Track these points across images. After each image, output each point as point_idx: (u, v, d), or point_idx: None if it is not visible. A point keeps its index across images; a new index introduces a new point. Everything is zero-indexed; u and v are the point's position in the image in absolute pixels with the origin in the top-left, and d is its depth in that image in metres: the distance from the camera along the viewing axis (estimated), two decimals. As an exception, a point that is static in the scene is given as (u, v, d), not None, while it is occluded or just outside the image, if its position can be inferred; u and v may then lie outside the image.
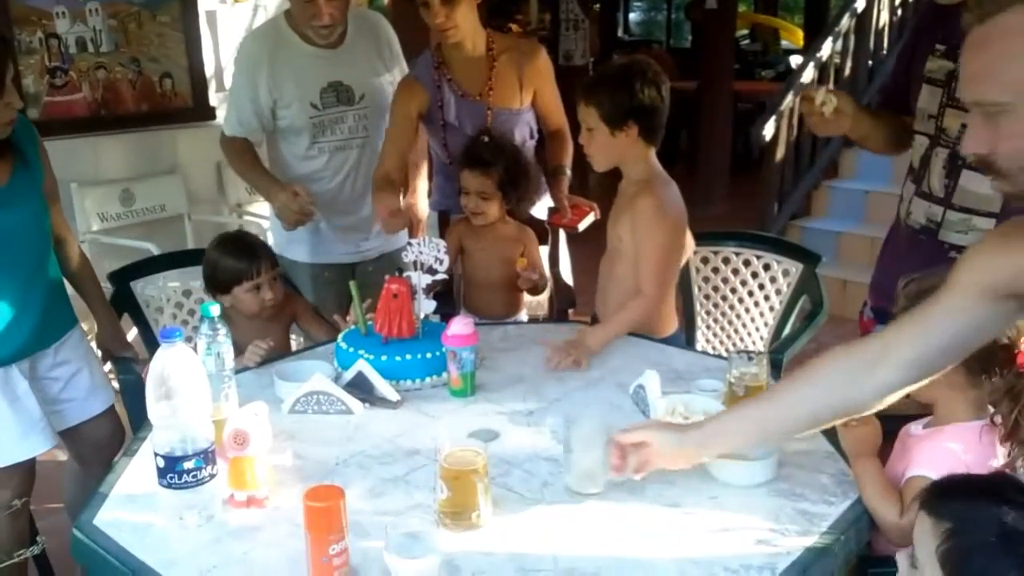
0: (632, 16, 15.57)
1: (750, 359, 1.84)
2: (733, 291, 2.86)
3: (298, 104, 2.70)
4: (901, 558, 1.14)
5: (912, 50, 2.11)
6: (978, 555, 1.01)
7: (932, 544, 1.05)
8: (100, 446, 2.39)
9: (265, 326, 2.43)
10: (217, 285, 2.38)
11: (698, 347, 2.80)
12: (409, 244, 2.12)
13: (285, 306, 2.51)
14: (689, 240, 2.44)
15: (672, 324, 2.45)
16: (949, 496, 1.09)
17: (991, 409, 1.54)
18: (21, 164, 2.15)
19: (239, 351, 1.90)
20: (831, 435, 1.78)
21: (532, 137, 2.91)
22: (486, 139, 2.64)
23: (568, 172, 2.85)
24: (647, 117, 2.23)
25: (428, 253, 2.09)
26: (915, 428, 1.66)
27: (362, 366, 2.00)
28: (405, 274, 2.12)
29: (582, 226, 2.76)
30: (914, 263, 2.06)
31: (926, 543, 1.07)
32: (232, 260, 2.35)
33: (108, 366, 2.48)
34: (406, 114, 2.72)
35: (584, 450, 1.57)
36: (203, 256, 2.44)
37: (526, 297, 2.79)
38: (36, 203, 2.18)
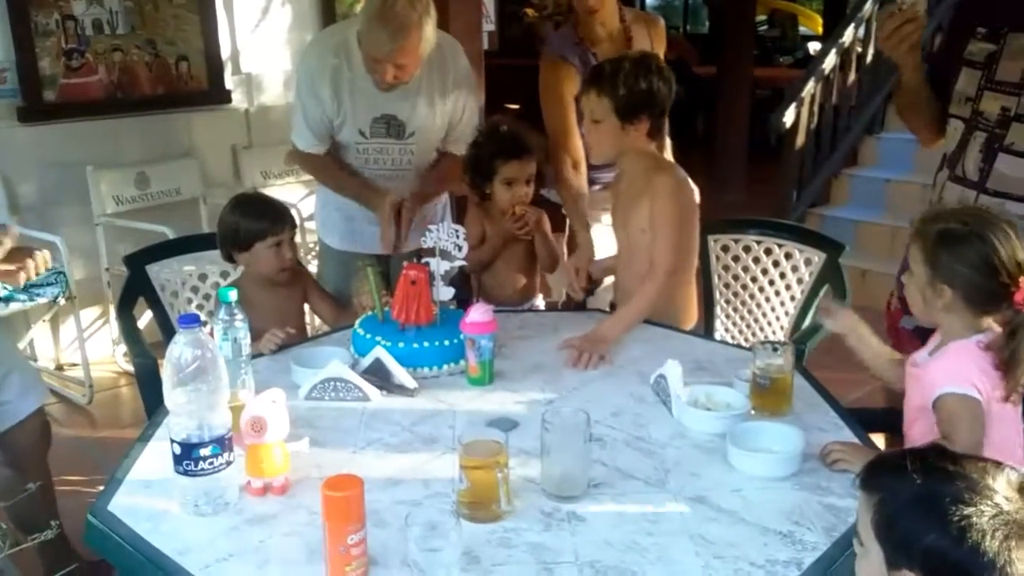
0: (649, 1, 15.45)
1: (775, 350, 1.81)
2: (753, 280, 2.82)
3: (348, 127, 2.64)
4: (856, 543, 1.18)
5: (952, 33, 2.06)
6: (901, 520, 1.06)
7: (867, 517, 1.11)
8: (31, 446, 2.34)
9: (281, 300, 2.44)
10: (238, 243, 2.38)
11: (717, 336, 2.76)
12: (428, 230, 2.09)
13: (297, 279, 2.52)
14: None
15: (692, 317, 2.42)
16: (879, 470, 1.14)
17: (992, 327, 1.61)
18: None
19: (255, 327, 1.88)
20: (858, 428, 1.76)
21: None
22: (505, 128, 2.62)
23: (667, 140, 2.92)
24: (658, 112, 2.20)
25: (447, 239, 2.07)
26: (920, 356, 1.73)
27: (379, 353, 1.98)
28: (423, 260, 2.10)
29: None
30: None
31: (863, 518, 1.12)
32: (257, 218, 2.36)
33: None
34: (561, 98, 2.78)
35: (560, 452, 1.52)
36: (219, 220, 2.43)
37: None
38: None
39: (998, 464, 1.08)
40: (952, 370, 1.59)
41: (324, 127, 2.65)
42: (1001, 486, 1.03)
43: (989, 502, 1.02)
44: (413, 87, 2.59)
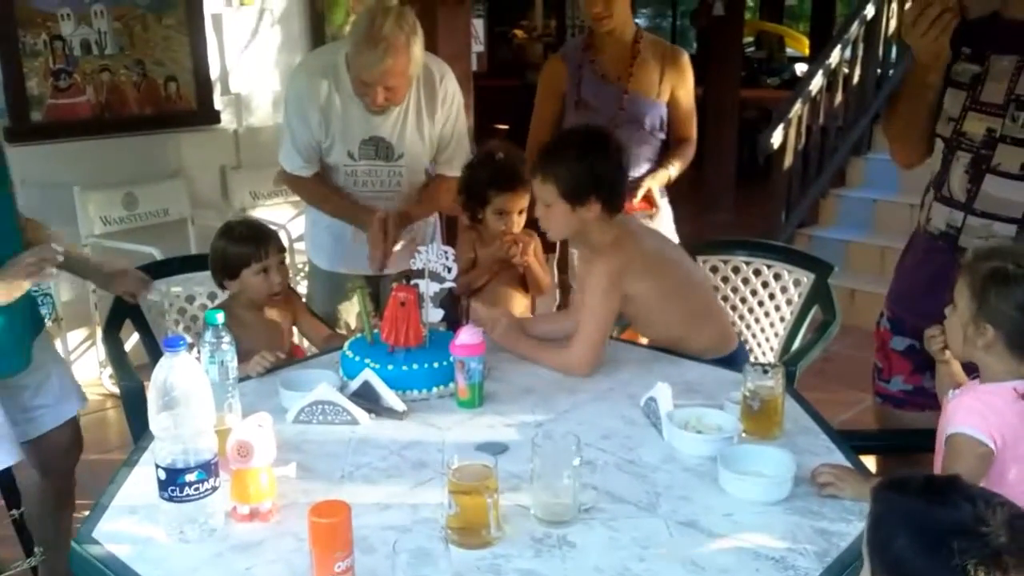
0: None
1: (765, 372, 1.80)
2: (743, 301, 2.82)
3: (337, 149, 2.63)
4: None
5: None
6: (883, 526, 1.08)
7: (866, 525, 1.13)
8: (62, 452, 2.36)
9: (269, 323, 2.42)
10: (226, 270, 2.37)
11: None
12: (417, 251, 2.09)
13: (287, 303, 2.51)
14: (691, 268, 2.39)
15: (732, 340, 2.38)
16: (888, 484, 1.15)
17: None
18: None
19: (243, 349, 1.86)
20: (849, 451, 1.75)
21: (661, 128, 3.03)
22: (501, 155, 2.61)
23: (670, 170, 3.01)
24: (609, 190, 2.11)
25: (436, 261, 2.06)
26: (953, 393, 1.68)
27: (368, 375, 1.97)
28: (413, 282, 2.09)
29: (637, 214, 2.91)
30: (932, 270, 2.03)
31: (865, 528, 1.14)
32: (241, 243, 2.35)
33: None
34: (551, 90, 3.03)
35: (550, 476, 1.50)
36: (210, 247, 2.42)
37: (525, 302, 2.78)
38: (5, 210, 2.15)
39: (999, 497, 1.07)
40: (974, 411, 1.55)
41: (313, 149, 2.64)
42: (989, 515, 1.02)
43: (969, 524, 1.01)
44: (402, 109, 2.59)
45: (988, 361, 1.60)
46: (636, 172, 2.94)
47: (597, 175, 2.09)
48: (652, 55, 2.99)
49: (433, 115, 2.65)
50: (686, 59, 3.07)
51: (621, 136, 2.83)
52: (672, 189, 3.14)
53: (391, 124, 2.60)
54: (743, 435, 1.77)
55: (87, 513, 1.57)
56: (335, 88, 2.55)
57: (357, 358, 2.05)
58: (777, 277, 2.75)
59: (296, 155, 2.65)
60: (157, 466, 1.45)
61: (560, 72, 3.00)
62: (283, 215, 4.46)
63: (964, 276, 1.60)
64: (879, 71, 5.83)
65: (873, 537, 1.09)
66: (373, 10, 2.41)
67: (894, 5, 5.70)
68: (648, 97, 2.97)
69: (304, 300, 2.79)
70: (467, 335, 1.97)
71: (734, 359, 2.30)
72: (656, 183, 2.97)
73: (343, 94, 2.54)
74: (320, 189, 2.72)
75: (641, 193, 2.93)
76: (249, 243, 2.35)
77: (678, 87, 3.03)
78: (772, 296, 2.76)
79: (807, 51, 12.07)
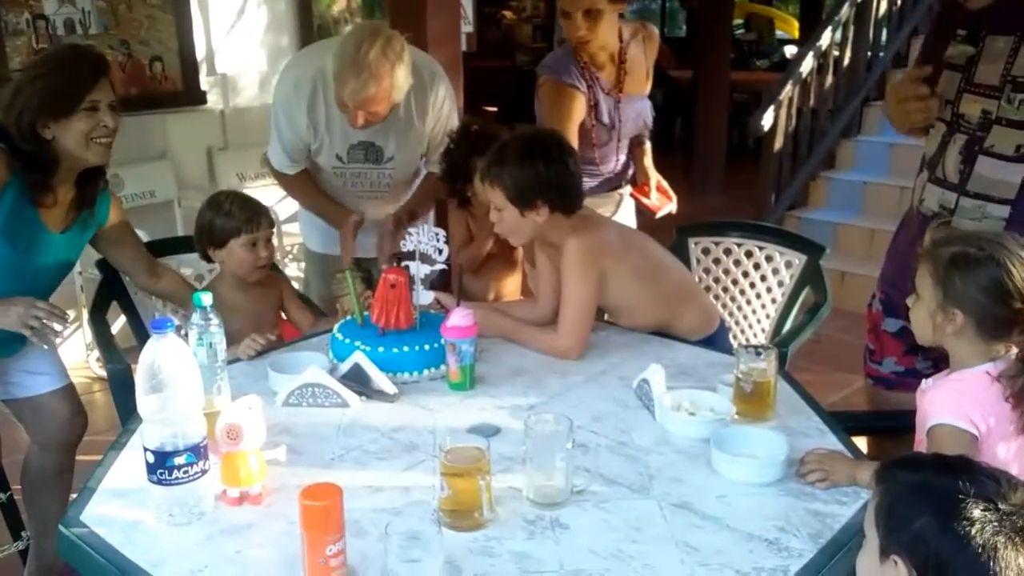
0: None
1: (758, 354, 1.79)
2: (735, 283, 2.81)
3: (326, 152, 2.61)
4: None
5: (934, 37, 2.06)
6: (898, 504, 1.06)
7: (872, 504, 1.10)
8: (59, 425, 2.36)
9: (256, 304, 2.41)
10: (213, 239, 2.34)
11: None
12: (408, 233, 2.07)
13: (274, 284, 2.49)
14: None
15: (715, 319, 2.36)
16: (897, 463, 1.14)
17: (1003, 355, 1.56)
18: (86, 218, 2.22)
19: (229, 331, 1.84)
20: (842, 433, 1.75)
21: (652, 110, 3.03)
22: (476, 128, 2.60)
23: (647, 144, 2.99)
24: (557, 193, 2.09)
25: (428, 242, 2.04)
26: (927, 383, 1.67)
27: (358, 358, 1.95)
28: (403, 264, 2.07)
29: (661, 213, 2.97)
30: (925, 251, 2.02)
31: (869, 507, 1.11)
32: (233, 214, 2.33)
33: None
34: (571, 125, 2.76)
35: (543, 459, 1.50)
36: (197, 216, 2.40)
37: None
38: (74, 256, 2.28)
39: (1016, 478, 1.05)
40: (949, 401, 1.54)
41: (299, 150, 2.62)
42: (1009, 492, 1.01)
43: (989, 502, 1.00)
44: (391, 115, 2.53)
45: (959, 346, 1.59)
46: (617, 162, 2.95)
47: (542, 179, 2.06)
48: (635, 50, 2.91)
49: (424, 118, 2.60)
50: (657, 33, 3.06)
51: (626, 137, 2.82)
52: (662, 171, 3.12)
53: (381, 129, 2.55)
54: (735, 417, 1.77)
55: (74, 496, 1.55)
56: (323, 93, 2.49)
57: (347, 340, 2.04)
58: (768, 259, 2.74)
59: (283, 154, 2.64)
60: (146, 449, 1.44)
61: (580, 101, 2.79)
62: (271, 196, 4.39)
63: (925, 263, 1.58)
64: (869, 53, 5.81)
65: (888, 518, 1.06)
66: (361, 33, 2.34)
67: (884, -13, 5.69)
68: (641, 94, 2.96)
69: (300, 286, 2.78)
70: (458, 317, 1.96)
71: (717, 338, 2.30)
72: (654, 173, 2.98)
73: (330, 100, 2.48)
74: (304, 186, 2.72)
75: (654, 189, 2.97)
76: (240, 215, 2.33)
77: (651, 59, 3.02)
78: (763, 278, 2.75)
79: (797, 33, 12.06)
